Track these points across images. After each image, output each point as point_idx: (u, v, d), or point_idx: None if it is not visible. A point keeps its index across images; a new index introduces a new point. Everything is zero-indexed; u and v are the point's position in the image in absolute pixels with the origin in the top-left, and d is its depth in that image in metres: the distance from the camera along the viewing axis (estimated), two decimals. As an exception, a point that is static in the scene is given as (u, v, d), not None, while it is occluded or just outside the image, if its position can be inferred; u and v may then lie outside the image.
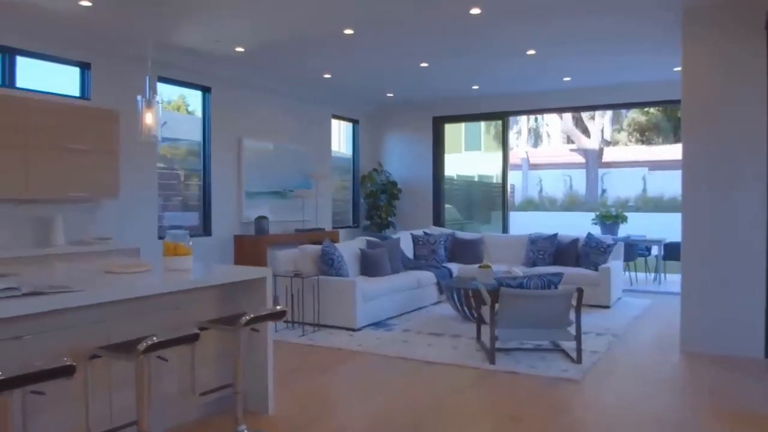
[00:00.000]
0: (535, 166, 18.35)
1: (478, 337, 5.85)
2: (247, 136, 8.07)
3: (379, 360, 5.21)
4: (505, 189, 10.28)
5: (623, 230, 10.68)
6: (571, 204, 20.24)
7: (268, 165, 8.44)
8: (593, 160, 19.96)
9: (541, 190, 15.65)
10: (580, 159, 19.98)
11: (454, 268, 8.23)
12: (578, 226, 13.72)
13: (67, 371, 2.27)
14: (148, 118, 3.72)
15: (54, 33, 5.73)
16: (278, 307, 3.38)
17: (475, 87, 9.05)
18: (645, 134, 19.71)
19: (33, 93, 5.67)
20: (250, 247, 7.75)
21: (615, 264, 7.93)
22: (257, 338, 3.73)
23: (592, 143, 20.22)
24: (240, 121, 7.97)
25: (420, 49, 6.75)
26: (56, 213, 5.76)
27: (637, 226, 11.33)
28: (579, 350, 5.11)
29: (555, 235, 8.40)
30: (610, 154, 20.73)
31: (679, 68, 5.57)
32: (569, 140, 20.89)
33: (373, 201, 10.10)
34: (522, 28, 6.01)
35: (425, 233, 8.82)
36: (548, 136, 19.45)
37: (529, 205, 12.47)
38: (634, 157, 20.04)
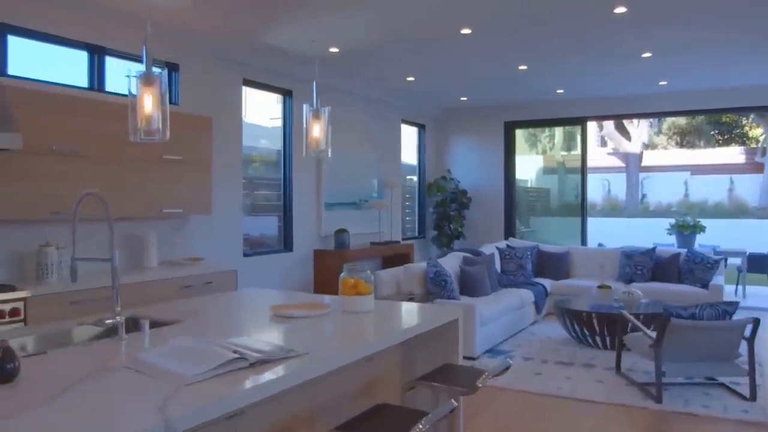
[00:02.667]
0: (572, 170, 17.79)
1: (618, 368, 5.27)
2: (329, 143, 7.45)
3: (524, 398, 4.61)
4: (584, 198, 9.73)
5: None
6: (612, 209, 19.71)
7: (344, 174, 7.85)
8: (634, 164, 19.42)
9: (578, 195, 15.07)
10: (618, 163, 19.45)
11: (546, 284, 7.66)
12: (638, 234, 13.19)
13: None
14: (316, 131, 3.12)
15: (141, 31, 5.12)
16: (509, 361, 2.79)
17: (560, 91, 8.49)
18: (686, 138, 19.18)
19: (120, 97, 5.07)
20: (332, 262, 7.15)
21: (719, 280, 7.38)
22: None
23: (633, 147, 19.67)
24: (318, 126, 7.36)
25: (530, 50, 6.17)
26: (149, 231, 5.16)
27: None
28: (753, 386, 4.54)
29: (653, 249, 7.83)
30: (649, 158, 20.17)
31: None
32: (603, 143, 20.32)
33: (443, 210, 9.50)
34: (645, 30, 5.47)
35: (508, 246, 8.24)
36: (582, 139, 18.86)
37: (568, 210, 11.88)
38: (675, 161, 19.47)
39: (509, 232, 9.80)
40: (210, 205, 5.41)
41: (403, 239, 9.13)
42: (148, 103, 2.20)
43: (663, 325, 4.43)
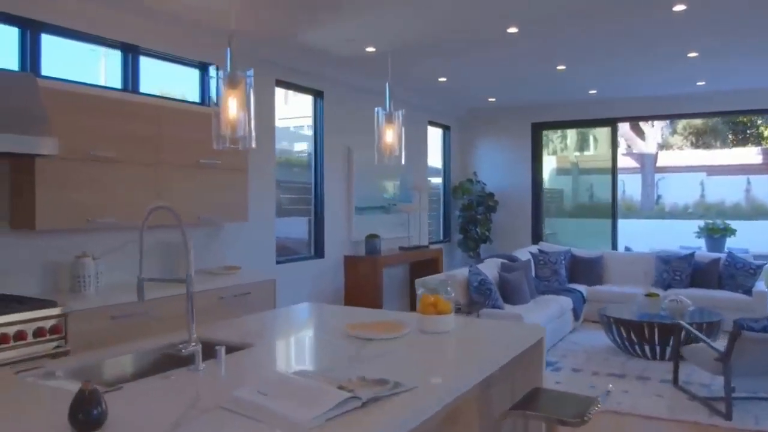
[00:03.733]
0: (585, 171, 17.55)
1: (675, 381, 5.03)
2: (356, 145, 7.22)
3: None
4: (615, 200, 9.52)
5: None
6: (628, 211, 19.44)
7: (372, 177, 7.60)
8: (649, 165, 19.18)
9: (592, 196, 14.86)
10: (633, 163, 19.21)
11: (581, 290, 7.42)
12: (659, 237, 12.94)
13: None
14: (389, 136, 2.88)
15: (174, 30, 4.88)
16: (610, 387, 2.55)
17: (593, 91, 8.25)
18: (701, 138, 18.96)
19: (157, 99, 4.83)
20: (364, 269, 6.90)
21: (761, 285, 7.15)
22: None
23: (648, 147, 19.41)
24: (348, 128, 7.12)
25: (573, 50, 5.92)
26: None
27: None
28: (827, 403, 4.32)
29: (692, 254, 7.60)
30: (664, 159, 19.90)
31: None
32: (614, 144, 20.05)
33: (470, 214, 9.25)
34: (699, 29, 5.23)
35: (540, 251, 8.00)
36: (595, 140, 18.64)
37: (582, 211, 11.65)
38: (691, 162, 19.20)
39: (536, 236, 9.56)
40: (246, 211, 5.17)
41: (429, 243, 8.89)
42: (233, 107, 1.96)
43: (734, 338, 4.19)
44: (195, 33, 5.03)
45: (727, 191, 18.83)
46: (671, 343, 5.62)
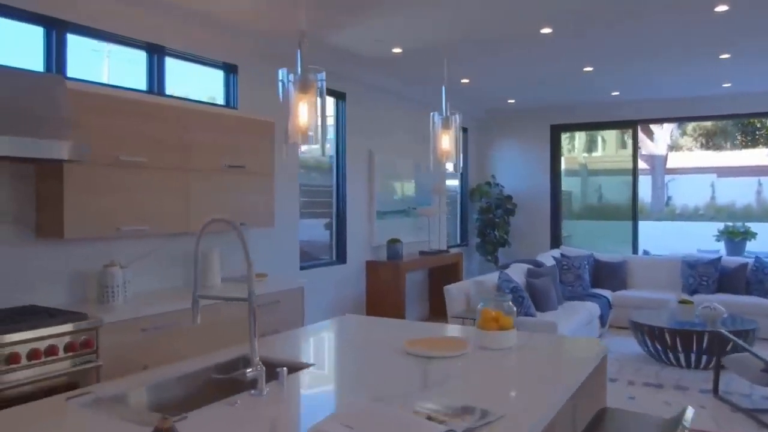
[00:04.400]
0: (594, 172, 17.43)
1: (716, 391, 4.88)
2: (377, 148, 7.07)
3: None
4: (635, 202, 9.40)
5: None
6: (639, 213, 19.31)
7: (392, 179, 7.45)
8: (659, 166, 19.06)
9: (600, 197, 14.75)
10: (642, 165, 19.04)
11: (606, 295, 7.27)
12: (672, 239, 12.75)
13: None
14: (445, 142, 2.72)
15: (199, 29, 4.73)
16: (690, 410, 2.39)
17: (615, 93, 8.10)
18: (711, 140, 18.82)
19: (183, 101, 4.67)
20: (386, 275, 6.75)
21: (790, 291, 7.00)
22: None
23: (657, 149, 19.31)
24: (368, 130, 6.97)
25: (603, 50, 5.77)
26: (212, 246, 4.76)
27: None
28: None
29: (719, 259, 7.45)
30: (674, 160, 19.80)
31: None
32: (624, 145, 19.96)
33: (488, 217, 9.09)
34: (738, 29, 5.09)
35: (563, 255, 7.85)
36: (603, 141, 18.49)
37: (592, 213, 11.54)
38: (701, 163, 19.09)
39: (555, 239, 9.41)
40: (273, 216, 5.01)
41: (448, 248, 8.74)
42: (303, 113, 1.81)
43: (785, 350, 4.04)
44: (221, 33, 4.87)
45: (738, 193, 18.75)
46: (707, 351, 5.48)
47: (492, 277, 5.76)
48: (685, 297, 6.93)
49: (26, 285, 3.65)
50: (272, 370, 2.13)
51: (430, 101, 8.06)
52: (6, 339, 2.93)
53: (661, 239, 14.36)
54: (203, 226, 2.14)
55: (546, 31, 5.13)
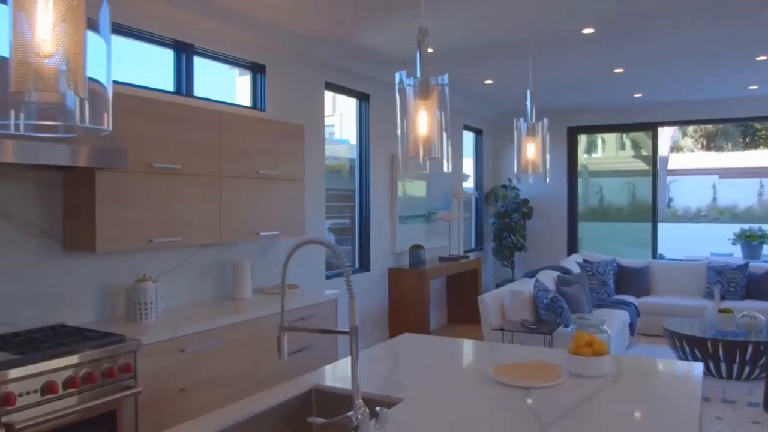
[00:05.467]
0: (594, 174, 17.30)
1: (766, 404, 4.69)
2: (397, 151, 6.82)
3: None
4: (655, 205, 9.24)
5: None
6: (641, 214, 19.24)
7: (414, 184, 7.21)
8: (661, 168, 18.95)
9: (601, 199, 14.64)
10: (643, 166, 18.98)
11: (634, 302, 7.07)
12: (677, 242, 12.62)
13: None
14: (530, 151, 2.48)
15: (227, 26, 4.46)
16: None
17: (638, 95, 7.92)
18: (713, 141, 18.76)
19: (215, 103, 4.40)
20: (410, 282, 6.51)
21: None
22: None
23: (661, 150, 19.21)
24: (391, 133, 6.73)
25: (637, 51, 5.56)
26: (243, 257, 4.50)
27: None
28: None
29: (746, 264, 7.29)
30: (675, 162, 19.70)
31: None
32: (623, 146, 19.85)
33: (504, 221, 8.88)
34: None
35: (585, 261, 7.66)
36: (603, 142, 18.36)
37: (594, 216, 11.43)
38: (702, 165, 19.02)
39: (572, 244, 9.22)
40: (304, 224, 4.75)
41: (465, 253, 8.52)
42: (424, 123, 1.57)
43: None
44: (250, 30, 4.60)
45: (740, 195, 18.70)
46: (749, 362, 5.30)
47: (526, 286, 5.53)
48: (706, 302, 6.77)
49: (54, 301, 3.37)
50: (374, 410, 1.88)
51: (462, 105, 7.82)
52: (42, 367, 2.66)
53: (667, 241, 14.20)
54: (295, 247, 1.89)
55: (588, 31, 4.91)
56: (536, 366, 2.49)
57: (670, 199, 19.55)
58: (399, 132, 1.63)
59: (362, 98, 6.23)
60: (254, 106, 4.87)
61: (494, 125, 9.58)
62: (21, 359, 2.62)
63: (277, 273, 4.91)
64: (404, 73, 1.76)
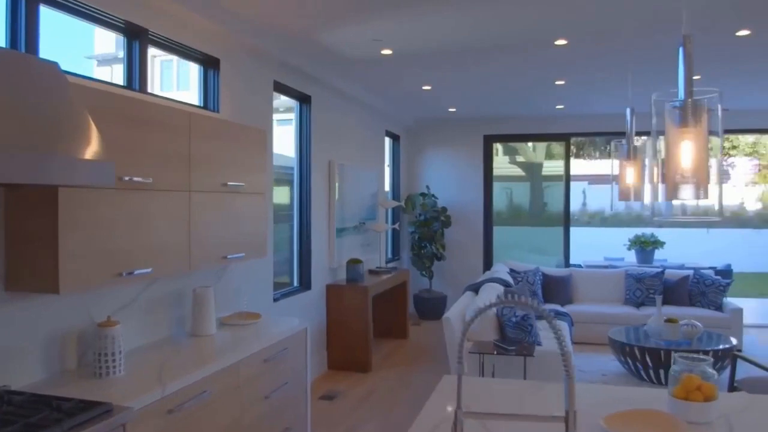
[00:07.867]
0: (500, 179, 18.01)
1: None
2: (337, 157, 6.33)
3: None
4: (568, 211, 9.50)
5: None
6: (518, 218, 20.05)
7: (348, 192, 6.74)
8: (536, 174, 19.88)
9: (511, 203, 15.26)
10: (520, 172, 19.79)
11: (565, 311, 7.15)
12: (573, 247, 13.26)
13: None
14: (630, 176, 2.20)
15: (182, 8, 3.76)
16: None
17: (560, 106, 8.04)
18: (582, 149, 19.97)
19: (181, 104, 3.67)
20: (350, 299, 6.04)
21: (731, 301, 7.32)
22: None
23: (537, 157, 20.13)
24: (329, 138, 6.21)
25: (593, 62, 5.55)
26: (202, 283, 3.82)
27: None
28: None
29: (662, 272, 7.64)
30: (549, 168, 20.75)
31: None
32: (506, 153, 20.66)
33: (424, 230, 8.66)
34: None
35: (513, 270, 7.64)
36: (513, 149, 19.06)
37: (504, 220, 11.82)
38: (575, 171, 20.19)
39: (488, 253, 9.23)
40: (266, 244, 4.15)
41: (386, 263, 8.18)
42: (687, 153, 1.21)
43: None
44: (207, 13, 3.92)
45: (605, 199, 20.11)
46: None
47: (482, 303, 5.30)
48: (626, 309, 7.05)
49: (-5, 361, 2.56)
50: None
51: (374, 104, 7.45)
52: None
53: (560, 247, 14.82)
54: (484, 308, 1.43)
55: (560, 42, 4.78)
56: (646, 413, 2.22)
57: (545, 203, 20.70)
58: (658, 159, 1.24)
59: (304, 100, 5.67)
60: (205, 106, 4.18)
61: (410, 131, 9.36)
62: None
63: (227, 298, 4.25)
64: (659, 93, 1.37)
